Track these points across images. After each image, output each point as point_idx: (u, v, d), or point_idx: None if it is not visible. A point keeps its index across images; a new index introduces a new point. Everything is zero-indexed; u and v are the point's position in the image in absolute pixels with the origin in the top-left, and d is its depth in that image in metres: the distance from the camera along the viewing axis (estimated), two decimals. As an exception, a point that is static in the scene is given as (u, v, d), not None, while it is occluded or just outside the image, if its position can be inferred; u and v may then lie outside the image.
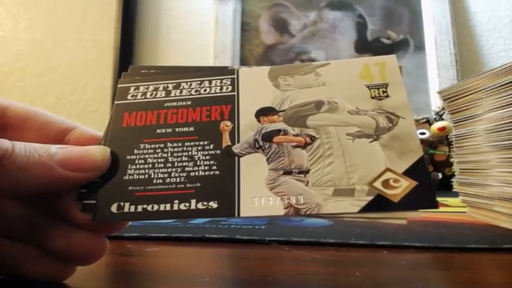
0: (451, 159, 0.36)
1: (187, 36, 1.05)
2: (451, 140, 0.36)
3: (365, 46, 0.98)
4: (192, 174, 0.17)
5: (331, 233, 0.27)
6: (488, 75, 0.30)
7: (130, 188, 0.17)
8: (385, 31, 0.98)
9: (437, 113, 0.71)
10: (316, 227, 0.30)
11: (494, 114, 0.29)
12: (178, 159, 0.17)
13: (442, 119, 0.69)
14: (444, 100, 0.36)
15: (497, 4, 0.95)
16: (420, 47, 0.95)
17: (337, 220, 0.32)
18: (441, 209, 0.41)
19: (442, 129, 0.65)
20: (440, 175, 0.69)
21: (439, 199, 0.48)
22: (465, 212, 0.35)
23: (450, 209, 0.41)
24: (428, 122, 0.70)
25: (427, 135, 0.68)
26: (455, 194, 0.36)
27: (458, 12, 0.96)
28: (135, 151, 0.18)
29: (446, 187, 0.61)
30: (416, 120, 0.70)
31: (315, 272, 0.19)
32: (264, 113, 0.18)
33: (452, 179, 0.36)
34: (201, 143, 0.18)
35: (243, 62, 0.99)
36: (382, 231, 0.27)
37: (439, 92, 0.36)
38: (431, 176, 0.68)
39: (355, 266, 0.20)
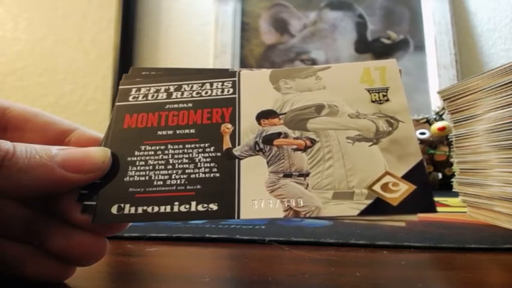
0: (451, 159, 0.36)
1: (187, 36, 1.05)
2: (451, 140, 0.36)
3: (365, 46, 0.98)
4: (192, 176, 0.17)
5: (331, 233, 0.27)
6: (488, 75, 0.30)
7: (130, 189, 0.17)
8: (385, 31, 0.98)
9: (437, 113, 0.71)
10: (316, 227, 0.30)
11: (494, 114, 0.29)
12: (179, 161, 0.17)
13: (442, 119, 0.69)
14: (444, 100, 0.36)
15: (497, 4, 0.95)
16: (420, 47, 0.95)
17: (337, 221, 0.32)
18: (441, 209, 0.41)
19: (442, 129, 0.65)
20: (440, 175, 0.69)
21: (439, 199, 0.48)
22: (465, 212, 0.35)
23: (450, 209, 0.41)
24: (428, 122, 0.70)
25: (427, 135, 0.68)
26: (455, 194, 0.36)
27: (458, 12, 0.95)
28: (136, 153, 0.18)
29: (446, 187, 0.61)
30: (416, 120, 0.70)
31: (315, 272, 0.19)
32: (264, 115, 0.19)
33: (452, 179, 0.36)
34: (202, 145, 0.18)
35: (243, 62, 0.99)
36: (382, 232, 0.27)
37: (439, 92, 0.37)
38: (431, 176, 0.68)
39: (355, 266, 0.20)
